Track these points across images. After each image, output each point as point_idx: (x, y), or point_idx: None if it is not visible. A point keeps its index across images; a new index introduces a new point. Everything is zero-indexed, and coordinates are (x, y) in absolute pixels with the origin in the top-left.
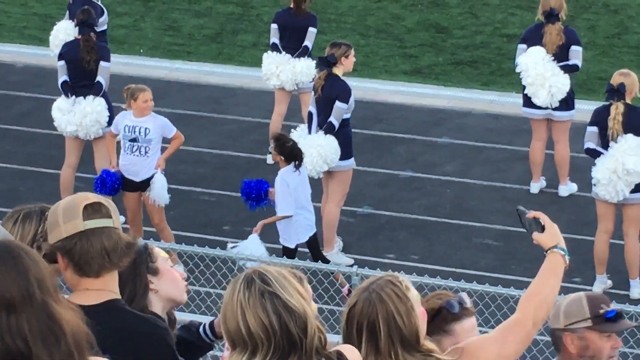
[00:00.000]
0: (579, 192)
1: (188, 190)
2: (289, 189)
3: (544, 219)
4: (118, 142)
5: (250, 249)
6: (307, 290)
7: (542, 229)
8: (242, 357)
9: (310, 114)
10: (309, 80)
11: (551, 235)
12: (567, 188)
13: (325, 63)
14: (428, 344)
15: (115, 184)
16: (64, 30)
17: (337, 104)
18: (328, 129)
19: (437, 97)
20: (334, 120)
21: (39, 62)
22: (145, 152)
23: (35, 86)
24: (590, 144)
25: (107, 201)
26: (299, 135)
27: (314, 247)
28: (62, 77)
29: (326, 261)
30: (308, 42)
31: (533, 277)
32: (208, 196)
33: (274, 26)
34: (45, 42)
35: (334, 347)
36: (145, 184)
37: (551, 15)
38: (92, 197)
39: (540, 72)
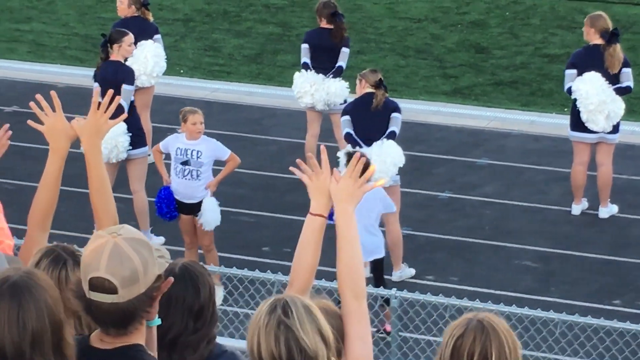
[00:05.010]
0: (619, 214)
1: (227, 211)
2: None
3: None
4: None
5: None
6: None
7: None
8: None
9: (349, 134)
10: (341, 102)
11: None
12: (607, 210)
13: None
14: None
15: (170, 211)
16: (153, 51)
17: (395, 114)
18: (392, 137)
19: (477, 118)
20: (397, 128)
21: (79, 82)
22: (197, 176)
23: (77, 107)
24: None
25: (120, 273)
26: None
27: (377, 270)
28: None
29: (386, 287)
30: (342, 62)
31: (572, 299)
32: (247, 217)
33: (305, 46)
34: (85, 62)
35: None
36: (198, 207)
37: (614, 35)
38: (103, 268)
39: (602, 99)
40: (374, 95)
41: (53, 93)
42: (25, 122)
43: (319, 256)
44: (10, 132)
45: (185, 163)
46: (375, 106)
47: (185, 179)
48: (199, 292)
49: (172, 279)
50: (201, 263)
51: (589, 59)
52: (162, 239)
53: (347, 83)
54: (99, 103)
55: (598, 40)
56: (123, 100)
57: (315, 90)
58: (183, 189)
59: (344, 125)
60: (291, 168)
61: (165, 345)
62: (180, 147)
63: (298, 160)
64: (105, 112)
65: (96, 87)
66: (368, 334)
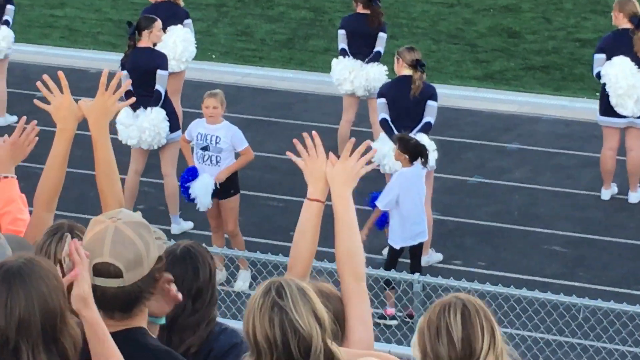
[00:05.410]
0: None
1: (256, 195)
2: (406, 188)
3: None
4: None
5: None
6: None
7: None
8: None
9: (385, 121)
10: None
11: None
12: (637, 195)
13: (423, 66)
14: None
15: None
16: (182, 36)
17: (431, 103)
18: (427, 128)
19: (508, 103)
20: (432, 119)
21: (112, 68)
22: (217, 162)
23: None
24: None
25: (124, 257)
26: (383, 143)
27: (416, 255)
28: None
29: (421, 273)
30: (380, 48)
31: (600, 284)
32: (276, 202)
33: (341, 32)
34: (118, 47)
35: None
36: (221, 191)
37: None
38: (107, 253)
39: (631, 83)
40: (412, 80)
41: (60, 73)
42: None
43: (317, 241)
44: (38, 129)
45: (204, 148)
46: (413, 93)
47: (205, 164)
48: (198, 273)
49: (171, 277)
50: (204, 245)
51: (618, 44)
52: (190, 224)
53: (386, 67)
54: (107, 84)
55: (627, 25)
56: (159, 85)
57: (354, 77)
58: (204, 174)
59: (379, 109)
60: (288, 153)
61: (165, 326)
62: (201, 132)
63: (295, 140)
64: (113, 93)
65: (124, 74)
66: (369, 316)
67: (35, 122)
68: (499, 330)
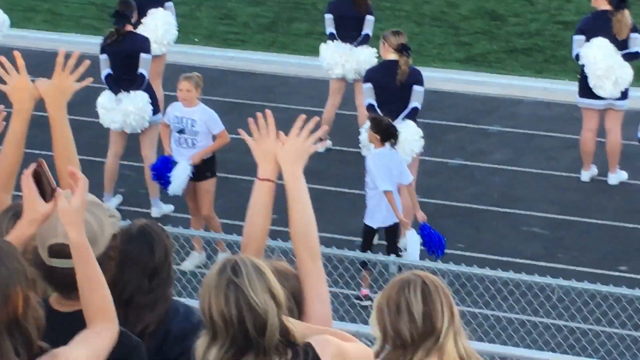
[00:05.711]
0: (629, 180)
1: (237, 178)
2: (384, 167)
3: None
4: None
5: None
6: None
7: None
8: (206, 340)
9: (371, 106)
10: None
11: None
12: (616, 176)
13: (408, 50)
14: None
15: (164, 182)
16: (163, 19)
17: (417, 87)
18: (414, 113)
19: (490, 85)
20: (419, 103)
21: (95, 51)
22: (193, 144)
23: (90, 75)
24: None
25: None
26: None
27: (392, 237)
28: (106, 71)
29: (397, 254)
30: (368, 30)
31: (579, 265)
32: None
33: (328, 16)
34: (101, 31)
35: (310, 338)
36: (197, 174)
37: (622, 1)
38: (61, 234)
39: (610, 64)
40: (397, 65)
41: (17, 53)
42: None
43: (270, 219)
44: (4, 113)
45: (181, 132)
46: (399, 79)
47: (182, 147)
48: (154, 251)
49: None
50: (160, 224)
51: (597, 25)
52: (171, 207)
53: (375, 49)
54: (64, 64)
55: (606, 6)
56: (143, 68)
57: (345, 61)
58: (180, 157)
59: (366, 94)
60: (239, 130)
61: (121, 304)
62: (177, 115)
63: (249, 120)
64: (71, 73)
65: (103, 58)
66: (326, 292)
67: (2, 106)
68: (455, 306)
